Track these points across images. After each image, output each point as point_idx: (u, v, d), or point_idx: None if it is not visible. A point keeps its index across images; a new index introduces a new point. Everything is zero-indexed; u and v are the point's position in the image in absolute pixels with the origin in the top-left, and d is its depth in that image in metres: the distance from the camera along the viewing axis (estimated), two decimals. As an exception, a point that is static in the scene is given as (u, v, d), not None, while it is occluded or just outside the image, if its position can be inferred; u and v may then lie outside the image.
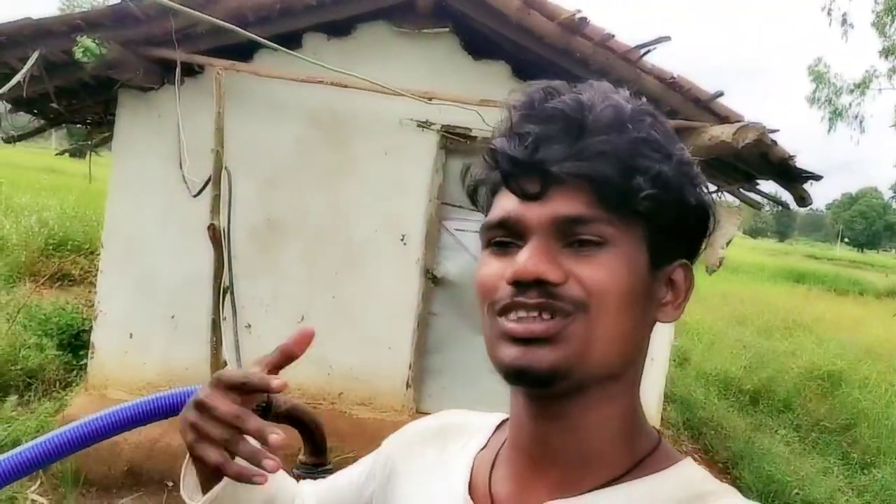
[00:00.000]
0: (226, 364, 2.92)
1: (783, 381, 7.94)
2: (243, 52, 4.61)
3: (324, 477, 1.09)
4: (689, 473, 0.72)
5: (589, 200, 0.67)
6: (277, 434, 0.68)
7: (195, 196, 3.52)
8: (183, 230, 4.74)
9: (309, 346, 0.78)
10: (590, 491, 0.71)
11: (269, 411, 0.92)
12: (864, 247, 74.99)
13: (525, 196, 0.69)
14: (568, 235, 0.68)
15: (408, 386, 5.14)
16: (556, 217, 0.68)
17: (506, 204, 0.71)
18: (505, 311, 0.69)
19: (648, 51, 4.39)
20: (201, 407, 0.72)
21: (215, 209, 2.82)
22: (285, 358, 0.77)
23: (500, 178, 0.72)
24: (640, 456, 0.73)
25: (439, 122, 4.99)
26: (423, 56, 4.99)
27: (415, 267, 5.12)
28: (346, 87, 4.49)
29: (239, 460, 0.72)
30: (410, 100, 4.61)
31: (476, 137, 5.04)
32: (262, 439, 0.69)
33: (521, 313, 0.67)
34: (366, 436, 5.02)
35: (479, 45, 5.01)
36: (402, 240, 5.09)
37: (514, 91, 0.75)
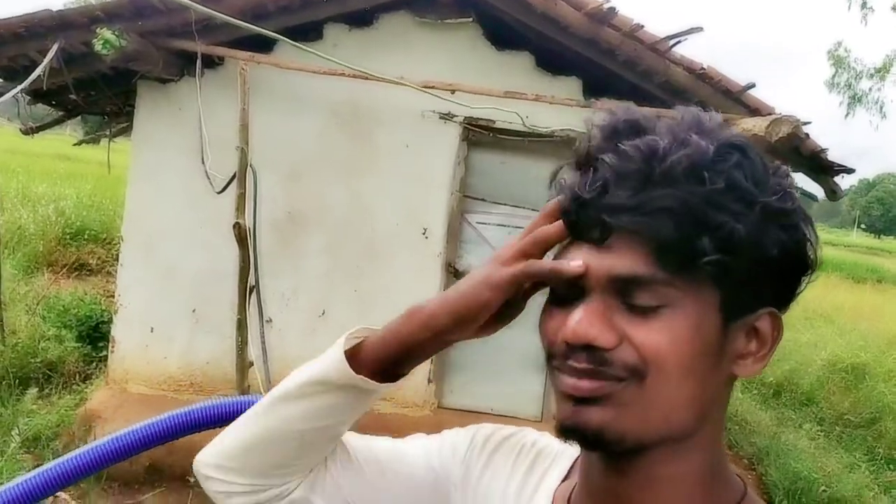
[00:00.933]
0: (251, 364, 2.88)
1: (806, 374, 7.84)
2: (264, 43, 4.54)
3: None
4: None
5: (648, 258, 0.62)
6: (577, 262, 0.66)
7: (219, 193, 3.47)
8: (204, 224, 4.69)
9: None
10: None
11: None
12: (881, 233, 74.33)
13: (581, 239, 0.66)
14: (625, 294, 0.63)
15: (429, 381, 5.09)
16: (614, 275, 0.63)
17: (568, 254, 0.68)
18: (558, 369, 0.66)
19: (679, 41, 4.28)
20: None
21: (241, 207, 2.76)
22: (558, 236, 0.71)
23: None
24: None
25: (462, 115, 4.91)
26: (445, 47, 4.90)
27: (436, 260, 5.06)
28: (367, 78, 4.41)
29: None
30: (432, 92, 4.53)
31: (499, 129, 4.97)
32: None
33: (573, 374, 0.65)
34: (388, 431, 4.95)
35: (502, 36, 4.91)
36: (423, 233, 5.03)
37: (600, 109, 0.69)
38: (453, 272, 5.16)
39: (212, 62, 4.63)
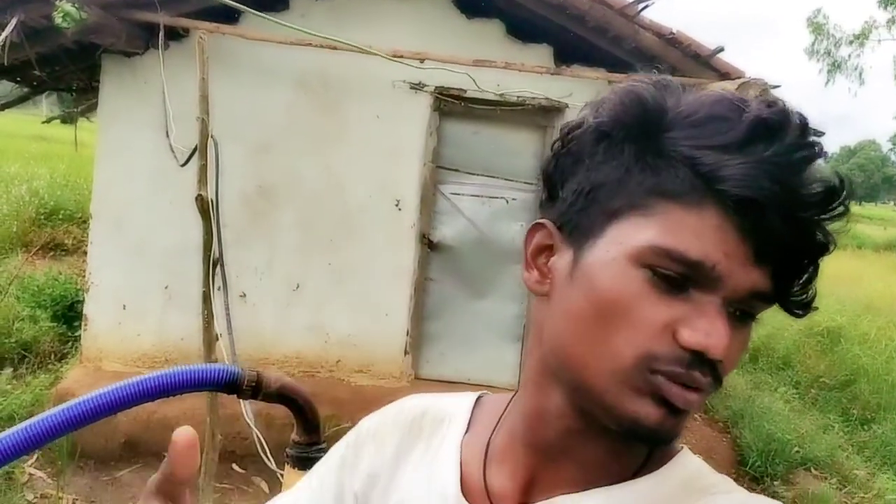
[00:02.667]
0: (218, 337, 2.87)
1: (782, 338, 7.92)
2: (230, 14, 4.46)
3: (318, 456, 1.03)
4: (690, 466, 0.69)
5: (773, 276, 0.60)
6: None
7: (182, 166, 3.43)
8: (172, 199, 4.64)
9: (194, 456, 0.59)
10: (600, 486, 0.68)
11: (258, 392, 0.86)
12: (861, 200, 74.93)
13: (757, 259, 0.59)
14: (741, 304, 0.61)
15: (406, 352, 5.10)
16: (758, 292, 0.60)
17: (705, 241, 0.58)
18: (667, 374, 0.59)
19: (647, 5, 4.26)
20: None
21: (202, 179, 2.73)
22: (174, 484, 0.60)
23: (708, 199, 0.58)
24: (646, 451, 0.70)
25: (432, 84, 4.87)
26: (414, 16, 4.84)
27: (410, 232, 5.04)
28: (335, 48, 4.36)
29: None
30: (402, 61, 4.48)
31: (471, 99, 4.93)
32: None
33: (683, 383, 0.60)
34: (364, 403, 4.98)
35: (471, 4, 4.85)
36: (396, 205, 5.00)
37: (766, 92, 0.65)
38: (427, 243, 5.15)
39: (177, 34, 4.54)
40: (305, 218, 4.93)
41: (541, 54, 4.90)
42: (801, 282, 0.61)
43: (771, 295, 0.60)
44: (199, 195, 2.71)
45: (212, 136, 2.85)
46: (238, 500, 4.12)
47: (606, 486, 0.67)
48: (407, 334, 5.09)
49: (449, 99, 4.96)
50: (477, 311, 5.25)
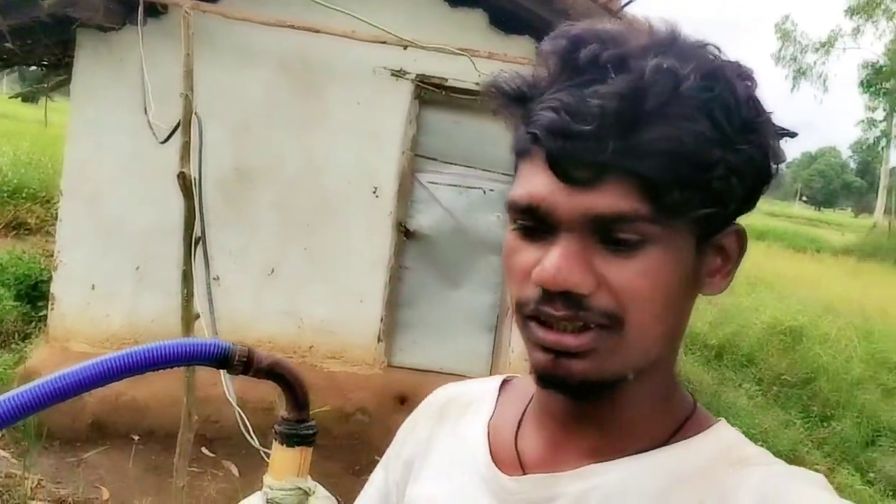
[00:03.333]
0: (198, 316, 2.83)
1: (747, 337, 8.09)
2: (210, -8, 4.40)
3: (306, 433, 1.02)
4: (726, 437, 0.68)
5: (634, 197, 0.58)
6: None
7: (163, 142, 3.37)
8: (147, 178, 4.57)
9: None
10: (628, 455, 0.67)
11: (249, 368, 0.84)
12: (821, 205, 76.50)
13: (567, 182, 0.59)
14: (604, 232, 0.59)
15: (379, 339, 5.09)
16: (595, 214, 0.58)
17: (535, 182, 0.61)
18: (532, 317, 0.62)
19: (630, 1, 4.30)
20: None
21: (185, 157, 2.69)
22: None
23: (536, 147, 0.61)
24: (680, 421, 0.69)
25: (414, 72, 4.85)
26: (397, 3, 4.82)
27: (387, 220, 5.03)
28: (317, 32, 4.32)
29: None
30: (384, 48, 4.46)
31: (452, 88, 4.93)
32: None
33: (550, 323, 0.61)
34: (336, 389, 4.97)
35: (456, -8, 4.85)
36: (374, 192, 4.99)
37: (559, 36, 0.63)
38: (404, 232, 5.14)
39: (155, 11, 4.47)
40: (283, 202, 4.89)
41: (523, 46, 4.91)
42: (655, 194, 0.58)
43: (621, 213, 0.58)
44: (182, 172, 2.67)
45: (196, 114, 2.81)
46: (209, 484, 4.09)
47: (635, 454, 0.67)
48: (381, 321, 5.08)
49: (430, 87, 4.95)
50: (451, 301, 5.26)
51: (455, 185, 5.20)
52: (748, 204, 0.66)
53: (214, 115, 4.45)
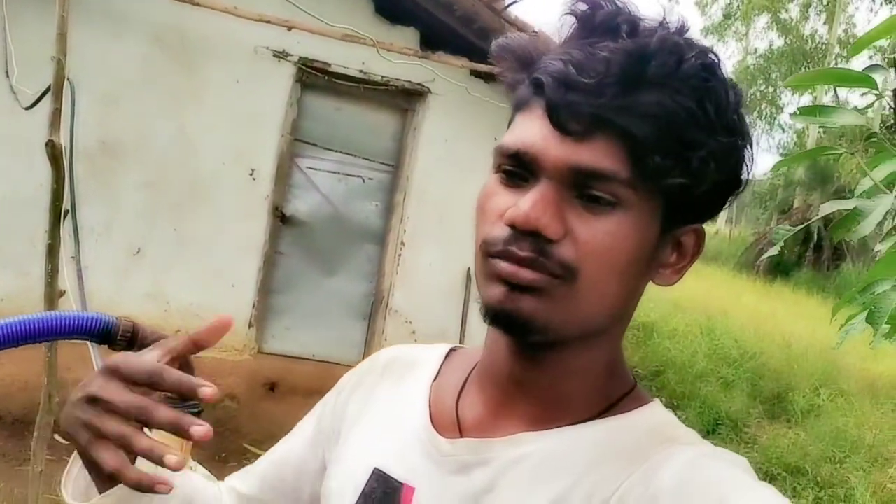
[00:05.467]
0: (63, 293, 2.67)
1: (603, 331, 8.51)
2: (81, -48, 4.14)
3: (192, 412, 1.02)
4: (659, 416, 0.71)
5: (618, 157, 0.61)
6: (202, 426, 0.59)
7: (28, 108, 3.15)
8: (5, 146, 4.24)
9: (224, 335, 0.69)
10: (563, 426, 0.70)
11: (133, 344, 0.80)
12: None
13: (561, 131, 0.62)
14: (581, 187, 0.62)
15: (250, 325, 4.98)
16: (577, 166, 0.61)
17: (529, 131, 0.64)
18: (496, 255, 0.64)
19: (514, 2, 4.43)
20: (96, 401, 0.62)
21: (55, 124, 2.52)
22: (195, 348, 0.68)
23: (536, 97, 0.64)
24: (618, 396, 0.72)
25: (297, 55, 4.78)
26: (283, -18, 4.72)
27: (263, 204, 4.93)
28: (196, 4, 4.17)
29: (140, 462, 0.63)
30: (267, 28, 4.36)
31: (335, 74, 4.89)
32: (181, 431, 0.59)
33: (511, 261, 0.64)
34: (205, 376, 4.81)
35: (343, -23, 4.81)
36: (251, 174, 4.87)
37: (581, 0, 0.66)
38: (280, 216, 5.06)
39: (18, -33, 4.15)
40: (152, 179, 4.68)
41: (407, 36, 4.95)
42: (637, 158, 0.61)
43: (602, 170, 0.61)
44: (51, 140, 2.51)
45: (68, 79, 2.65)
46: (61, 471, 3.86)
47: (568, 425, 0.69)
48: (253, 307, 4.98)
49: (312, 71, 4.89)
50: (326, 288, 5.23)
51: (334, 172, 5.17)
52: (714, 205, 0.69)
53: (81, 83, 4.19)
